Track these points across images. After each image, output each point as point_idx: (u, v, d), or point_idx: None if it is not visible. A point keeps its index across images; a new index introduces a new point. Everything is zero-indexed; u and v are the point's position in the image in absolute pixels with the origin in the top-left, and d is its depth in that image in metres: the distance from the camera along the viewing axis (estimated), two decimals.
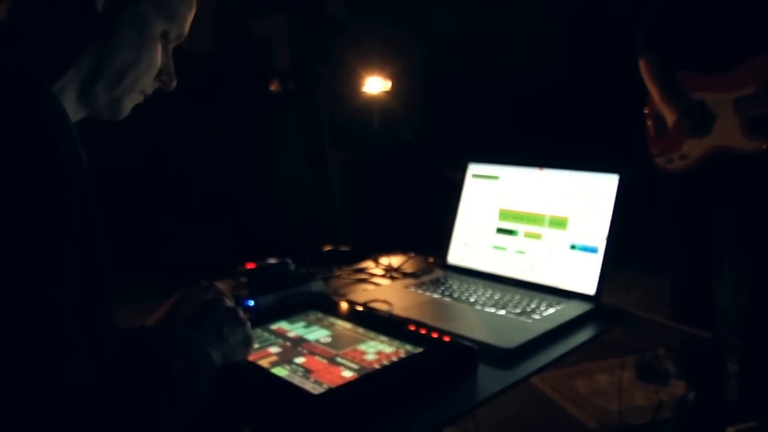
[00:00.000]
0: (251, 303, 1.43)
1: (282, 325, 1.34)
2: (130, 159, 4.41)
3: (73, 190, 0.77)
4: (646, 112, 2.54)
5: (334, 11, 5.06)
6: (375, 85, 2.86)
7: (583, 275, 1.53)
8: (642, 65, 2.46)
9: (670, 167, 2.40)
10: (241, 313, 1.11)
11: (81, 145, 0.83)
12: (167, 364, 0.87)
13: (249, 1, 5.16)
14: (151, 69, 0.98)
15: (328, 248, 2.01)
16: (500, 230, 1.73)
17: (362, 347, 1.21)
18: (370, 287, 1.74)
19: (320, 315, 1.40)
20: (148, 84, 1.00)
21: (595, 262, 1.52)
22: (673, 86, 2.36)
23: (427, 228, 2.07)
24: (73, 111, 0.93)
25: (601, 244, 1.52)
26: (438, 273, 1.78)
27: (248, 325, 1.11)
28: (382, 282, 1.78)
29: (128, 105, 0.99)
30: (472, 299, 1.54)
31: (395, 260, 1.94)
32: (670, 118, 2.34)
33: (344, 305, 1.45)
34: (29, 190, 0.71)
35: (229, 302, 1.12)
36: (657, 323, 1.45)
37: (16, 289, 0.69)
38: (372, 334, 1.26)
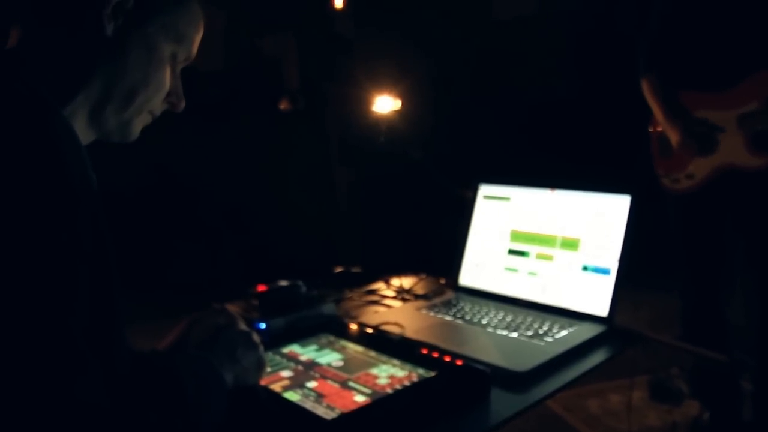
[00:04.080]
0: (263, 326, 1.42)
1: (294, 349, 1.34)
2: (139, 177, 4.42)
3: (83, 212, 0.77)
4: (650, 131, 2.53)
5: (343, 30, 5.09)
6: (385, 104, 2.87)
7: (595, 297, 1.52)
8: (644, 86, 2.45)
9: (677, 187, 2.39)
10: (255, 337, 1.11)
11: (91, 167, 0.84)
12: (180, 384, 0.88)
13: (258, 20, 5.20)
14: (160, 90, 0.99)
15: (339, 270, 2.00)
16: (512, 251, 1.73)
17: (374, 371, 1.20)
18: (382, 309, 1.74)
19: (332, 338, 1.39)
20: (157, 105, 1.01)
21: (608, 283, 1.51)
22: (675, 106, 2.35)
23: (437, 248, 2.06)
24: (84, 134, 0.93)
25: (614, 266, 1.52)
26: (449, 294, 1.77)
27: (261, 348, 1.11)
28: (394, 304, 1.78)
29: (138, 126, 1.01)
30: (484, 321, 1.53)
31: (406, 281, 1.93)
32: (673, 138, 2.33)
33: (356, 328, 1.45)
34: (40, 213, 0.72)
35: (243, 326, 1.12)
36: (673, 345, 1.44)
37: (27, 310, 0.70)
38: (384, 358, 1.26)
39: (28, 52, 0.89)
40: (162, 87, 0.99)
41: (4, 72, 0.84)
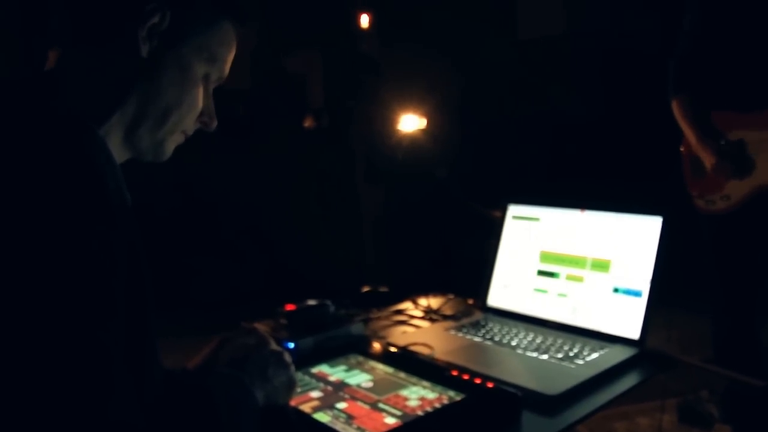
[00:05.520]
0: (291, 345, 1.42)
1: (323, 369, 1.33)
2: (164, 194, 4.46)
3: (120, 231, 0.78)
4: (681, 151, 2.49)
5: (368, 50, 5.11)
6: (410, 122, 2.88)
7: (626, 319, 1.51)
8: (675, 107, 2.42)
9: (713, 209, 2.35)
10: (286, 357, 1.11)
11: (126, 186, 0.85)
12: (212, 403, 0.88)
13: (283, 38, 5.24)
14: (193, 110, 1.00)
15: (366, 289, 2.00)
16: (541, 272, 1.71)
17: (404, 393, 1.19)
18: (410, 330, 1.73)
19: (361, 358, 1.39)
20: (189, 125, 1.02)
21: (639, 305, 1.50)
22: (708, 127, 2.31)
23: (464, 267, 2.05)
24: (119, 153, 0.95)
25: (645, 288, 1.50)
26: (478, 315, 1.76)
27: (292, 368, 1.11)
28: (422, 324, 1.77)
29: (171, 146, 1.02)
30: (513, 343, 1.52)
31: (434, 302, 1.92)
32: (708, 160, 2.29)
33: (385, 349, 1.44)
34: (77, 231, 0.73)
35: (274, 345, 1.12)
36: (707, 370, 1.42)
37: (62, 328, 0.70)
38: (414, 379, 1.25)
39: (66, 73, 0.90)
40: (195, 107, 1.00)
41: (42, 93, 0.86)
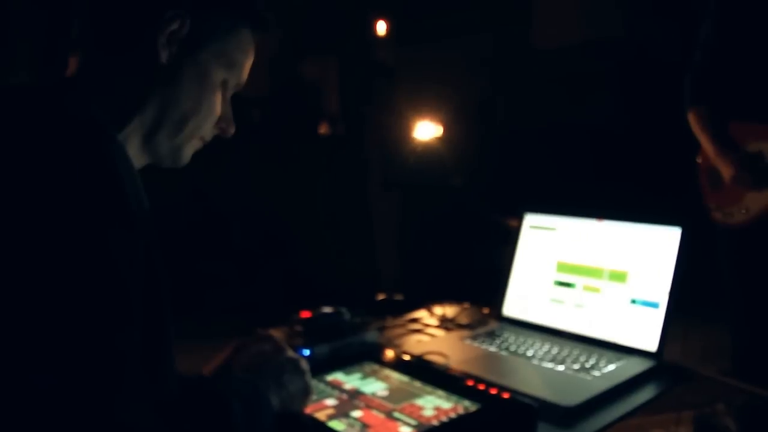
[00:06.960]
0: (307, 352, 1.42)
1: (337, 377, 1.33)
2: (180, 199, 4.47)
3: (138, 236, 0.78)
4: (699, 162, 2.46)
5: (384, 58, 5.12)
6: (426, 130, 2.88)
7: (644, 331, 1.49)
8: (692, 119, 2.39)
9: (731, 222, 2.31)
10: (303, 364, 1.11)
11: (144, 192, 0.85)
12: (227, 409, 0.88)
13: (299, 45, 5.26)
14: (211, 116, 1.01)
15: (381, 297, 2.00)
16: (558, 283, 1.70)
17: (420, 402, 1.19)
18: (425, 338, 1.72)
19: (376, 366, 1.38)
20: (207, 131, 1.03)
21: (657, 317, 1.48)
22: (726, 138, 2.29)
23: (479, 276, 2.05)
24: (137, 158, 0.96)
25: (663, 300, 1.49)
26: (493, 325, 1.75)
27: (308, 375, 1.11)
28: (437, 333, 1.76)
29: (189, 152, 1.02)
30: (529, 353, 1.51)
31: (449, 310, 1.92)
32: (726, 171, 2.26)
33: (400, 357, 1.43)
34: (96, 235, 0.73)
35: (290, 352, 1.12)
36: (728, 384, 1.40)
37: (79, 331, 0.70)
38: (429, 388, 1.24)
39: (86, 79, 0.91)
40: (213, 113, 1.01)
41: (63, 99, 0.86)
